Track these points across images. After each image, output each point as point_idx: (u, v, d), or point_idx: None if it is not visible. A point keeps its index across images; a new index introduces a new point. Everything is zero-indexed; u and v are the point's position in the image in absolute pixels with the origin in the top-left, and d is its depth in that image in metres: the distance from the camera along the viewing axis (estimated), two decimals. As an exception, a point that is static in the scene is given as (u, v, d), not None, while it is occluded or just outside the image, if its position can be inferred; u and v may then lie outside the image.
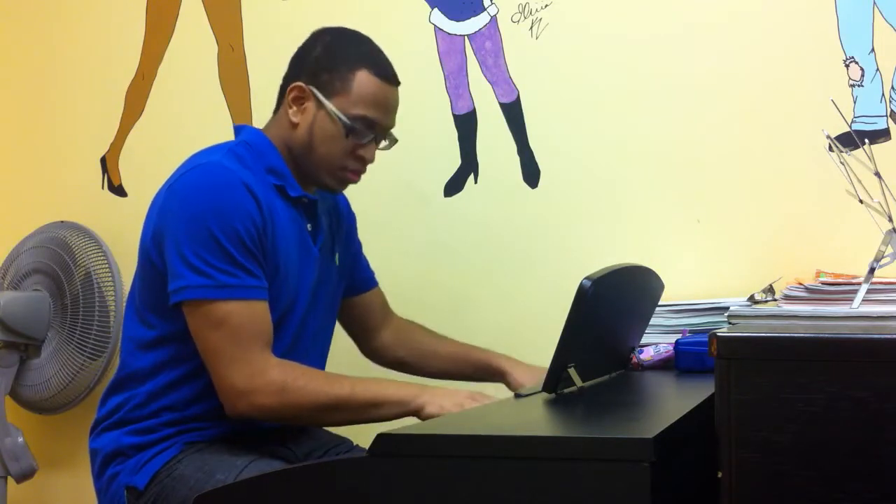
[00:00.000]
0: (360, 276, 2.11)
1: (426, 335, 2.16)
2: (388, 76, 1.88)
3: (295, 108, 1.85)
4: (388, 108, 1.89)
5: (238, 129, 1.93)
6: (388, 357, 2.15)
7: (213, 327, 1.71)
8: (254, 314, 1.72)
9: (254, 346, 1.71)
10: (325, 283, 1.94)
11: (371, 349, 2.15)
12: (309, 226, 1.88)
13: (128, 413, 1.80)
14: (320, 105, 1.83)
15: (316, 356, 1.94)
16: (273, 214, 1.78)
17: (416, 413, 1.72)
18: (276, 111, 1.92)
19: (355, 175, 1.90)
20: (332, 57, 1.85)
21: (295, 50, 1.93)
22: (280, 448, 1.85)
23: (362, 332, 2.13)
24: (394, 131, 1.94)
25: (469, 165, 2.49)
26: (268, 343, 1.73)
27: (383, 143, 1.93)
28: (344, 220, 2.07)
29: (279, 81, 1.92)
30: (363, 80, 1.84)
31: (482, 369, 2.08)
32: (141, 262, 1.82)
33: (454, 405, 1.69)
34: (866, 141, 2.02)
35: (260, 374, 1.69)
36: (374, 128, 1.86)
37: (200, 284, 1.70)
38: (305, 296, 1.86)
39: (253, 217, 1.73)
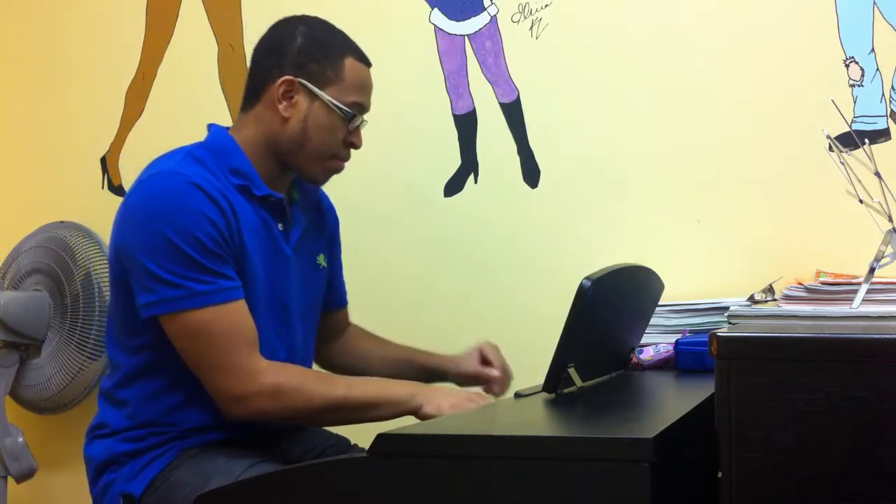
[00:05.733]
0: (334, 295, 2.05)
1: (372, 341, 2.11)
2: (367, 60, 1.87)
3: (285, 103, 1.80)
4: (371, 90, 1.88)
5: (207, 129, 1.88)
6: (336, 365, 2.09)
7: (195, 338, 1.68)
8: (234, 317, 1.69)
9: (241, 351, 1.68)
10: (309, 281, 1.90)
11: (321, 357, 2.07)
12: (280, 225, 1.83)
13: (118, 423, 1.78)
14: (314, 97, 1.80)
15: (304, 354, 1.91)
16: (238, 213, 1.74)
17: (414, 412, 1.70)
18: (248, 108, 1.85)
19: (342, 163, 1.88)
20: (317, 47, 1.82)
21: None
22: (277, 450, 1.84)
23: (318, 343, 2.03)
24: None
25: (469, 165, 2.49)
26: (253, 344, 1.70)
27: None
28: (328, 224, 2.02)
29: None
30: (352, 67, 1.83)
31: (425, 371, 2.03)
32: (110, 274, 1.80)
33: (451, 406, 1.68)
34: (866, 141, 2.02)
35: (253, 379, 1.67)
36: (364, 112, 1.86)
37: (173, 297, 1.66)
38: (281, 295, 1.82)
39: (210, 218, 1.69)
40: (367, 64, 1.87)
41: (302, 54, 1.81)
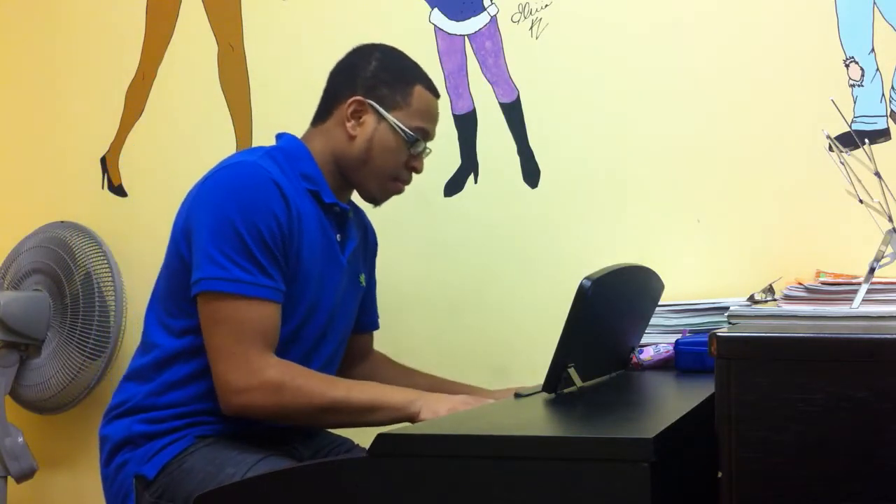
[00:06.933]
0: (368, 318, 2.13)
1: (398, 370, 2.15)
2: (436, 91, 1.98)
3: (353, 122, 1.90)
4: (437, 120, 1.99)
5: (277, 137, 1.96)
6: None
7: (219, 322, 1.72)
8: (261, 314, 1.74)
9: (254, 345, 1.72)
10: (350, 295, 1.96)
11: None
12: (338, 236, 1.91)
13: (141, 401, 1.81)
14: (381, 118, 1.89)
15: (332, 364, 1.94)
16: (302, 217, 1.80)
17: (411, 418, 1.72)
18: (318, 123, 1.95)
19: (403, 185, 1.97)
20: (390, 72, 1.92)
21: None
22: (288, 447, 1.86)
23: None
24: None
25: (469, 165, 2.49)
26: (270, 344, 1.74)
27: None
28: (371, 246, 2.11)
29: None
30: (420, 94, 1.93)
31: None
32: (169, 254, 1.84)
33: (448, 411, 1.70)
34: (866, 141, 2.02)
35: (257, 373, 1.70)
36: (427, 139, 1.96)
37: (215, 276, 1.72)
38: (329, 302, 1.87)
39: (278, 217, 1.75)
40: (436, 95, 1.97)
41: (375, 78, 1.92)
